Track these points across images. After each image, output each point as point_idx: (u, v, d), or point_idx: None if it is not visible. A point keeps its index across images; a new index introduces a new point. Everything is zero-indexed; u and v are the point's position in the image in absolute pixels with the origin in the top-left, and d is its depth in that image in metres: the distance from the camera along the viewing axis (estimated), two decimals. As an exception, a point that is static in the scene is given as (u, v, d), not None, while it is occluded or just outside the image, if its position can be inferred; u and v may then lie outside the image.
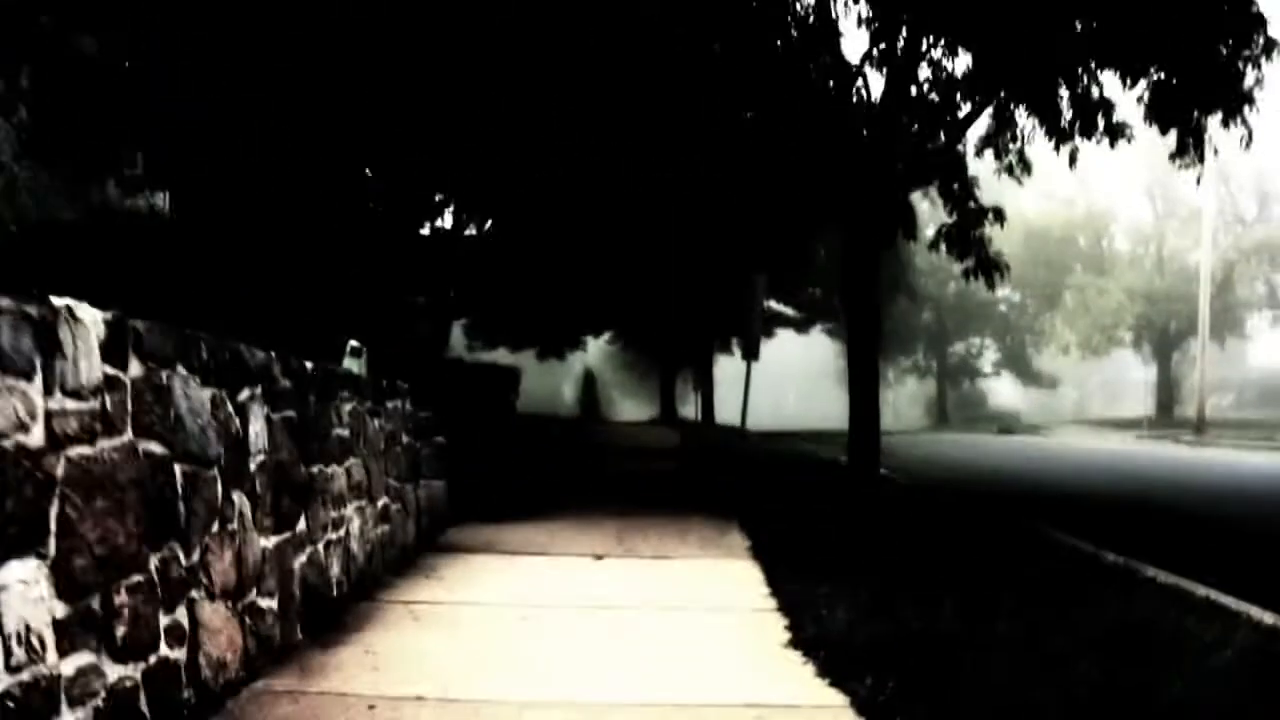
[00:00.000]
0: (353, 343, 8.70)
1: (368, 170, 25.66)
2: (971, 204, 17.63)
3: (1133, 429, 53.37)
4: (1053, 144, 17.09)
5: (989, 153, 18.27)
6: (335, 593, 6.91)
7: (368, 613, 6.82)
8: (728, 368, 49.45)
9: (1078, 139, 16.98)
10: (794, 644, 6.14)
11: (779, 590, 7.61)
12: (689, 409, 54.01)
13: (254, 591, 5.51)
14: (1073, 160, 17.43)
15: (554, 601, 7.26)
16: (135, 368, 4.25)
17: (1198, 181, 16.86)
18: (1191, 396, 62.10)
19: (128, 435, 4.17)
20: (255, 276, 12.78)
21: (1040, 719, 4.73)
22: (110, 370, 4.04)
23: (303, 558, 6.32)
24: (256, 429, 5.64)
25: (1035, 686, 5.05)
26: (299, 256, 18.90)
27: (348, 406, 7.43)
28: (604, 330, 50.97)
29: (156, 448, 4.43)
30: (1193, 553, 10.62)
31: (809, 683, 5.41)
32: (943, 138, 17.31)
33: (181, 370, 4.71)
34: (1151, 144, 56.10)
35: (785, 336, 54.09)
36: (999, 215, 17.77)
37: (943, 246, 18.00)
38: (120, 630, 4.03)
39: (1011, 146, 17.90)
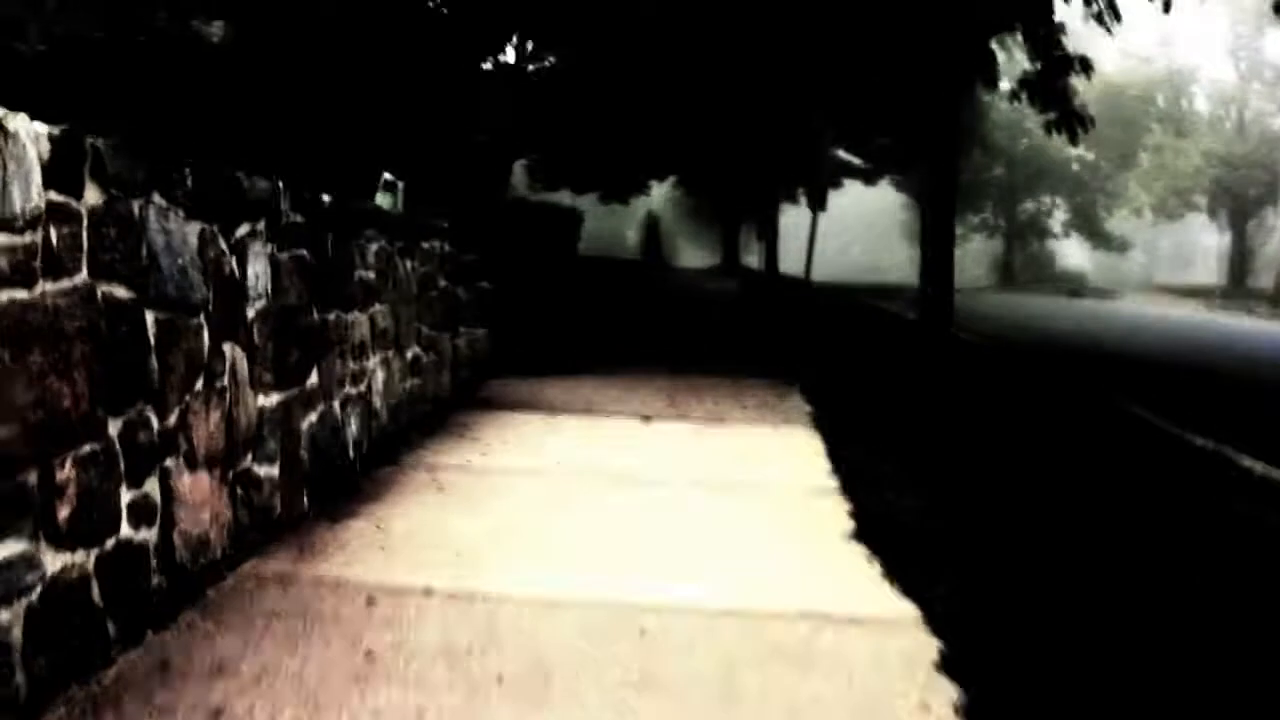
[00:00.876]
0: (387, 176, 7.95)
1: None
2: (1057, 52, 16.52)
3: (1204, 297, 51.92)
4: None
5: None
6: (352, 455, 6.27)
7: (389, 479, 6.17)
8: (793, 217, 48.48)
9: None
10: (858, 535, 5.43)
11: (843, 467, 6.90)
12: (752, 258, 53.08)
13: (249, 457, 4.85)
14: (1167, 6, 16.27)
15: (596, 469, 6.59)
16: (93, 195, 3.53)
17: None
18: (1266, 267, 60.55)
19: (81, 276, 3.46)
20: (304, 111, 12.05)
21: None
22: (57, 197, 3.31)
23: (313, 417, 5.66)
24: (257, 270, 4.94)
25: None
26: (353, 92, 18.19)
27: (374, 246, 6.71)
28: (668, 175, 49.81)
29: (121, 291, 3.72)
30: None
31: (874, 586, 4.68)
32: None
33: (159, 200, 4.00)
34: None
35: (852, 187, 52.77)
36: (1086, 65, 16.66)
37: (1024, 97, 16.92)
38: (64, 511, 3.35)
39: (1100, -10, 16.71)
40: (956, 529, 5.49)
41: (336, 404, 6.04)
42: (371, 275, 6.66)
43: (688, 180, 50.38)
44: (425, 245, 7.98)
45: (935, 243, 15.72)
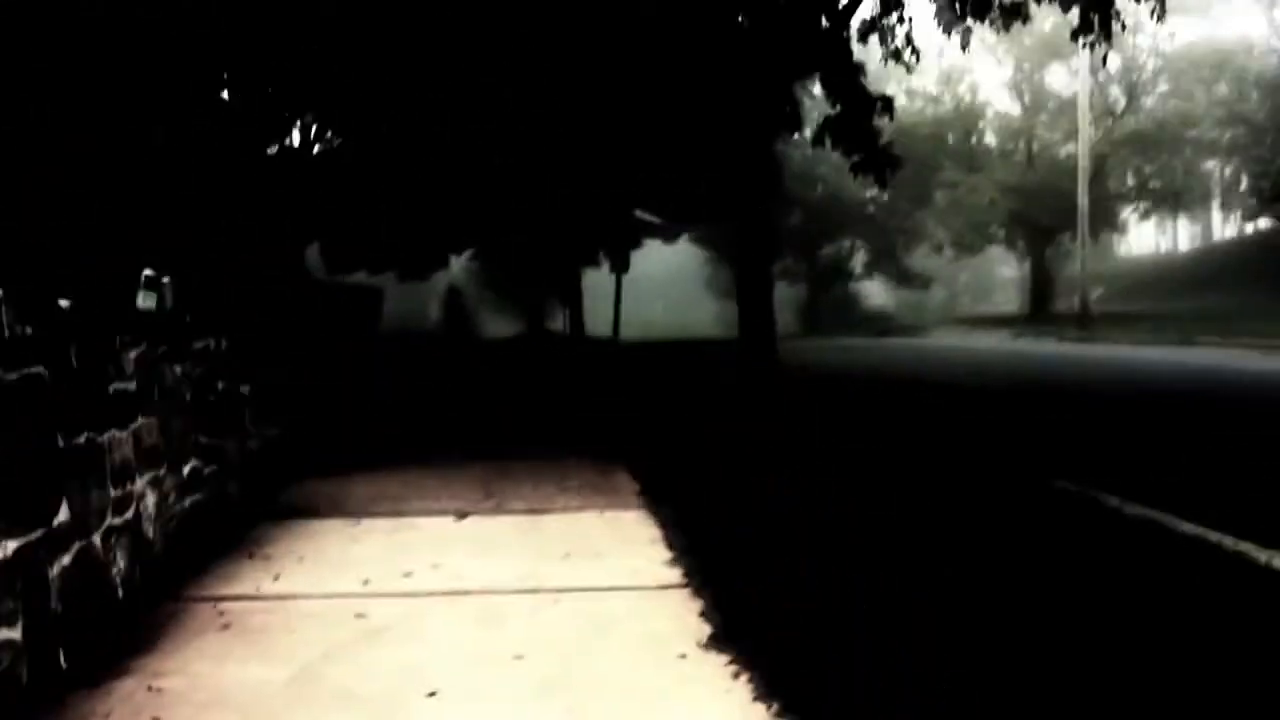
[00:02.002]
0: (148, 272, 7.08)
1: (223, 90, 23.91)
2: (859, 94, 16.28)
3: (1008, 327, 53.01)
4: (941, 27, 15.84)
5: (873, 40, 16.96)
6: (122, 595, 5.39)
7: (167, 618, 5.30)
8: (594, 280, 48.12)
9: (970, 20, 15.74)
10: (715, 641, 4.76)
11: (683, 553, 6.25)
12: (557, 323, 52.64)
13: (-25, 624, 3.99)
14: (964, 44, 16.23)
15: (405, 586, 5.81)
16: None
17: (1103, 62, 15.71)
18: (1064, 292, 62.17)
19: None
20: (48, 203, 11.13)
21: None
22: None
23: (66, 559, 4.78)
24: (-29, 400, 4.10)
25: None
26: (114, 182, 17.22)
27: (133, 353, 5.87)
28: (465, 248, 49.14)
29: None
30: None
31: (743, 712, 4.01)
32: (825, 22, 15.93)
33: None
34: (1019, 35, 55.30)
35: (651, 246, 52.70)
36: (888, 105, 16.50)
37: (827, 141, 16.65)
38: None
39: (899, 29, 16.57)
40: (831, 617, 4.87)
41: (98, 539, 5.17)
42: (131, 386, 5.81)
43: (486, 252, 49.75)
44: (198, 345, 7.13)
45: (752, 291, 15.26)
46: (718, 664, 4.50)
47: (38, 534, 4.53)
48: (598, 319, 46.53)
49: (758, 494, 8.05)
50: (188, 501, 6.61)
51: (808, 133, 18.79)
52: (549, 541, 6.76)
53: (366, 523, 7.44)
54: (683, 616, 5.16)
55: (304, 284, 23.34)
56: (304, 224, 28.01)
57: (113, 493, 5.41)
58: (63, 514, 4.80)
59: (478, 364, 26.62)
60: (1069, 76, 63.22)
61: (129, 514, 5.60)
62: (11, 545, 4.29)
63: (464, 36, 21.35)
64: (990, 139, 67.72)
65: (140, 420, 5.90)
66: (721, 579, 5.67)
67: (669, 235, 53.88)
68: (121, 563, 5.43)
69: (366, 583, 5.87)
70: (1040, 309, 60.72)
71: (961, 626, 4.96)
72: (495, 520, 7.46)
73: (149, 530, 5.87)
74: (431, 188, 30.01)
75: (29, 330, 4.61)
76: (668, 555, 6.29)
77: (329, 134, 30.47)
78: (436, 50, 21.67)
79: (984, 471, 9.15)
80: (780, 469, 9.06)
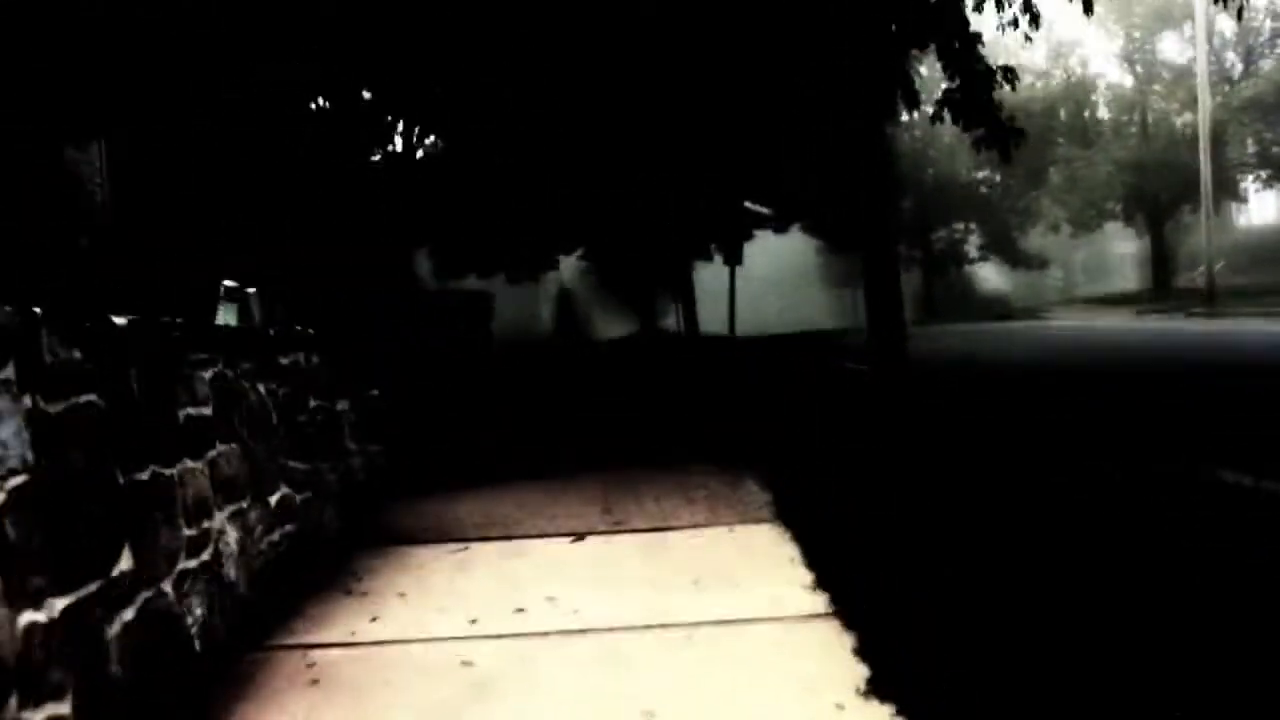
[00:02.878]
0: (228, 283, 6.51)
1: (319, 99, 23.66)
2: (979, 65, 15.38)
3: (1130, 305, 51.33)
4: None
5: (988, 6, 16.04)
6: (200, 647, 4.79)
7: (250, 672, 4.69)
8: (705, 275, 47.40)
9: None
10: (876, 687, 4.04)
11: (828, 578, 5.52)
12: (670, 320, 51.98)
13: (12, 703, 3.38)
14: (1088, 8, 15.28)
15: (516, 625, 5.15)
16: None
17: (1237, 16, 14.67)
18: (1185, 267, 60.23)
19: None
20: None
21: None
22: None
23: (129, 614, 4.18)
24: (4, 436, 3.49)
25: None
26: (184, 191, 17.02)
27: (208, 373, 5.28)
28: (575, 248, 48.71)
29: None
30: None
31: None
32: (939, -11, 15.10)
33: None
34: (1130, 2, 53.54)
35: (762, 238, 51.83)
36: (1010, 76, 15.58)
37: (946, 116, 15.76)
38: None
39: (1014, -5, 15.68)
40: (1020, 659, 4.12)
41: (168, 586, 4.57)
42: (207, 411, 5.22)
43: (597, 251, 49.27)
44: (285, 361, 6.54)
45: (879, 279, 14.38)
46: (881, 717, 3.80)
47: (93, 588, 3.93)
48: (710, 315, 45.85)
49: (909, 504, 7.24)
50: (277, 534, 6.01)
51: (922, 112, 17.74)
52: (676, 564, 6.07)
53: (475, 548, 6.80)
54: (834, 654, 4.45)
55: (410, 291, 22.93)
56: (410, 229, 27.65)
57: (186, 532, 4.81)
58: (124, 562, 4.20)
59: (591, 366, 25.99)
60: (1182, 44, 61.34)
61: (206, 554, 5.00)
62: (59, 604, 3.69)
63: (566, 32, 20.82)
64: (1103, 113, 65.76)
65: (218, 448, 5.31)
66: (875, 607, 4.94)
67: (780, 226, 53.03)
68: (198, 611, 4.83)
69: (474, 622, 5.22)
70: (1162, 286, 58.77)
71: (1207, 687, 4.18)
72: (616, 541, 6.78)
73: (230, 571, 5.26)
74: (539, 187, 29.54)
75: (76, 355, 4.02)
76: (809, 578, 5.58)
77: (432, 137, 30.14)
78: (538, 47, 21.16)
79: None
80: (933, 474, 8.21)
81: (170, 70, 16.68)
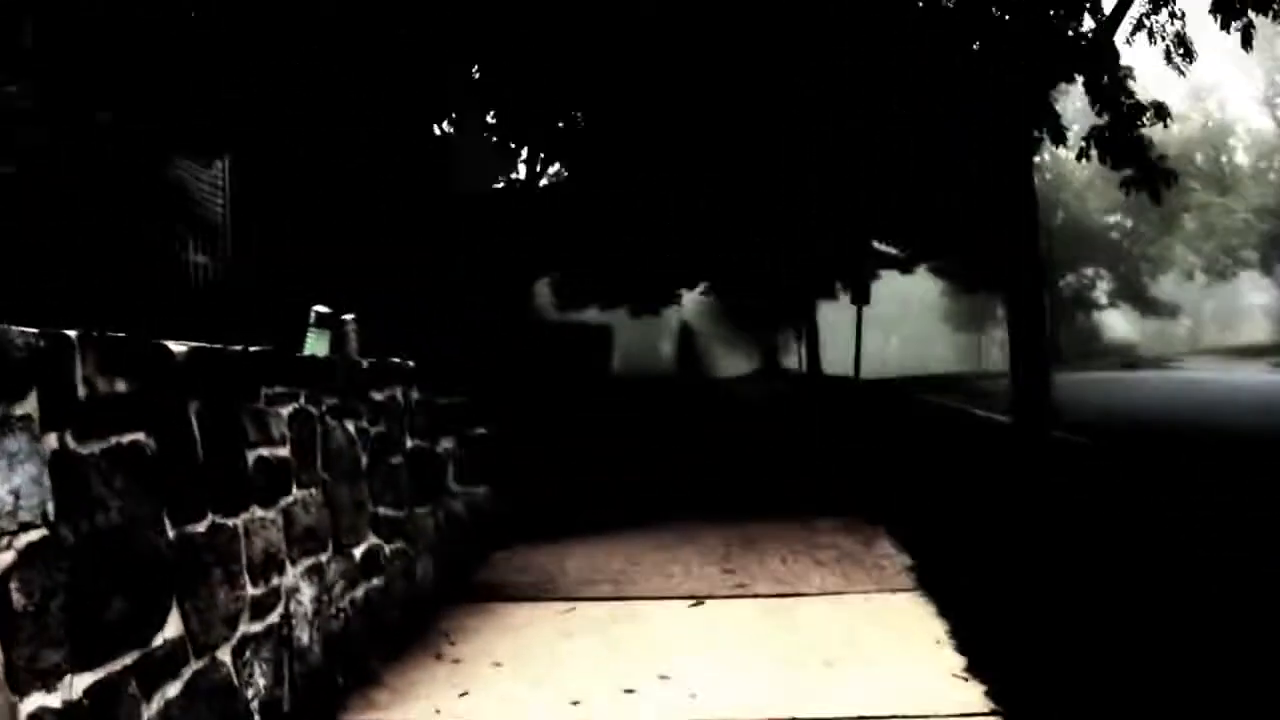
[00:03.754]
0: (320, 309, 5.94)
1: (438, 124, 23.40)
2: (1127, 100, 14.51)
3: (1265, 356, 49.34)
4: (1218, 20, 14.02)
5: (1140, 38, 15.15)
6: (262, 724, 4.19)
7: (315, 757, 4.09)
8: (828, 314, 46.56)
9: (1251, 13, 13.90)
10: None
11: (983, 664, 4.76)
12: (791, 359, 51.14)
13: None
14: (1246, 40, 14.35)
15: (625, 711, 4.48)
16: None
17: None
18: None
19: None
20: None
21: None
22: None
23: (173, 689, 3.58)
24: (16, 483, 2.90)
25: None
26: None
27: (286, 410, 4.69)
28: (699, 282, 48.13)
29: None
30: None
31: None
32: (1088, 21, 14.26)
33: None
34: (1272, 43, 51.85)
35: (888, 278, 50.86)
36: (1162, 112, 14.68)
37: (1092, 154, 14.90)
38: None
39: (1169, 26, 14.74)
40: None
41: (225, 654, 3.97)
42: (283, 452, 4.63)
43: (720, 285, 48.67)
44: (379, 396, 5.94)
45: (1024, 322, 13.50)
46: None
47: (127, 660, 3.34)
48: (832, 354, 45.01)
49: (1081, 583, 6.37)
50: (361, 591, 5.38)
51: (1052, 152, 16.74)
52: (806, 640, 5.35)
53: (581, 609, 6.14)
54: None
55: (525, 322, 22.45)
56: (530, 259, 27.21)
57: (250, 591, 4.21)
58: (171, 628, 3.61)
59: (713, 403, 25.26)
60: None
61: (274, 616, 4.40)
62: (80, 683, 3.09)
63: (696, 63, 20.28)
64: (1241, 158, 63.84)
65: (295, 494, 4.71)
66: (1047, 705, 4.19)
67: (906, 266, 52.12)
68: (261, 682, 4.22)
69: (576, 704, 4.55)
70: (1299, 336, 56.65)
71: None
72: (737, 607, 6.08)
73: (303, 635, 4.65)
74: (664, 219, 28.98)
75: (121, 387, 3.44)
76: (959, 663, 4.83)
77: (556, 165, 29.78)
78: (668, 74, 20.65)
79: None
80: (1108, 549, 7.29)
81: (298, 92, 16.41)
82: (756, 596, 6.28)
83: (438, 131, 23.87)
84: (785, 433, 16.96)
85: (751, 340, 57.06)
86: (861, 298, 19.56)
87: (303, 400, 4.87)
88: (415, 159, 21.36)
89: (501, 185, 26.99)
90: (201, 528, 3.86)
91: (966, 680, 4.60)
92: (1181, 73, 15.28)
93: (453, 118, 23.95)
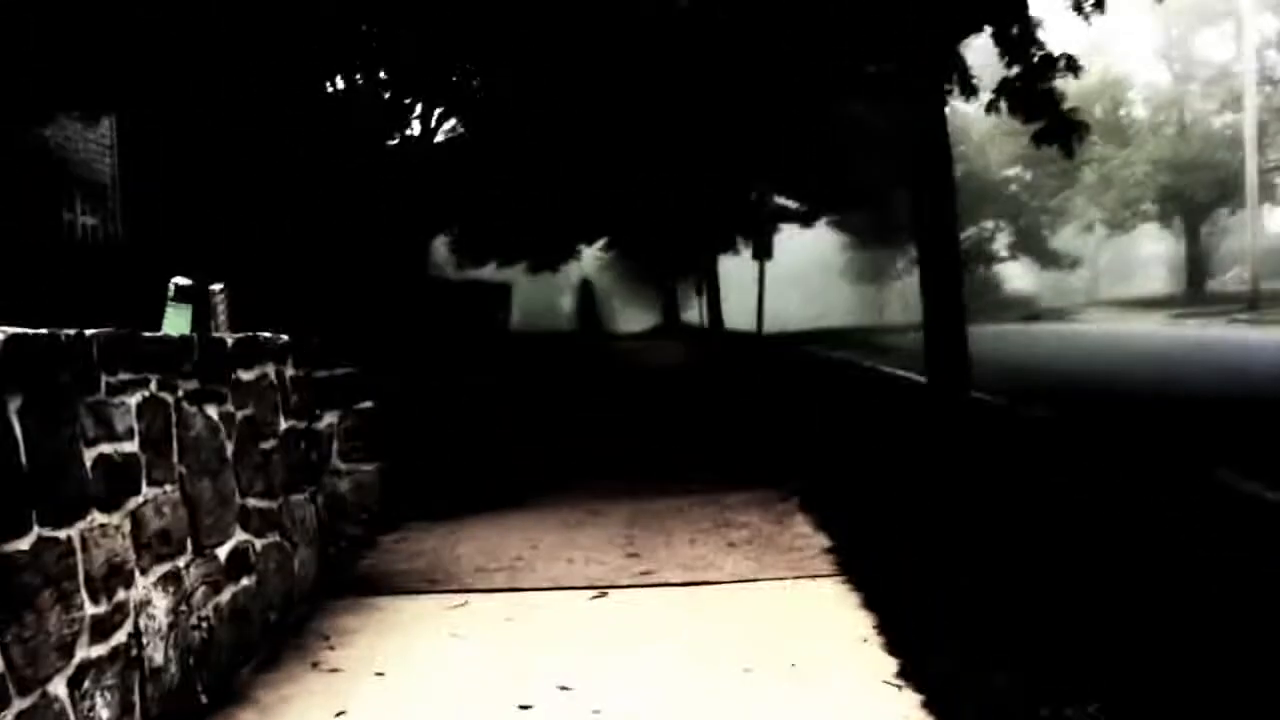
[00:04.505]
0: (179, 281, 5.36)
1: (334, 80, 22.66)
2: (1038, 52, 14.15)
3: (1163, 309, 49.67)
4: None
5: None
6: (99, 765, 3.65)
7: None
8: (728, 268, 46.25)
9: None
10: None
11: (917, 669, 4.32)
12: (692, 314, 50.82)
13: None
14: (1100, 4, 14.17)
15: (521, 731, 4.01)
16: None
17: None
18: (1220, 271, 58.79)
19: None
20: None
21: None
22: None
23: (-15, 740, 3.05)
24: None
25: None
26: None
27: (133, 398, 4.13)
28: (598, 237, 47.60)
29: None
30: None
31: None
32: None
33: None
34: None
35: (787, 231, 50.61)
36: (1072, 65, 14.34)
37: (1002, 106, 14.53)
38: None
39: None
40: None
41: (61, 687, 3.43)
42: (130, 447, 4.07)
43: (620, 240, 48.19)
44: (249, 376, 5.38)
45: (938, 276, 13.05)
46: None
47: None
48: (733, 310, 44.74)
49: (1012, 562, 5.88)
50: (227, 595, 4.84)
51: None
52: (720, 639, 4.88)
53: (474, 603, 5.64)
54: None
55: (421, 281, 21.82)
56: (425, 216, 26.51)
57: (91, 610, 3.67)
58: (-23, 669, 3.07)
59: (611, 362, 24.77)
60: (1221, 42, 59.97)
61: (121, 636, 3.85)
62: None
63: (590, 15, 19.72)
64: (1140, 111, 64.15)
65: (145, 494, 4.16)
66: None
67: (807, 220, 51.97)
68: (105, 714, 3.69)
69: (465, 723, 4.07)
70: (1195, 289, 57.01)
71: None
72: (643, 598, 5.61)
73: (157, 653, 4.10)
74: (561, 174, 28.38)
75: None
76: (890, 666, 4.39)
77: (451, 122, 29.05)
78: (562, 29, 20.07)
79: None
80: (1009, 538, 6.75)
81: (181, 47, 15.66)
82: (664, 585, 5.82)
83: (331, 89, 23.16)
84: (690, 394, 16.54)
85: (651, 295, 56.71)
86: (763, 252, 19.13)
87: (154, 387, 4.31)
88: (309, 117, 20.66)
89: (396, 142, 26.19)
90: (24, 545, 3.31)
91: (900, 689, 4.16)
92: (1088, 22, 14.95)
93: (346, 74, 23.19)
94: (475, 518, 7.69)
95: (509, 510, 7.92)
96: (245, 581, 5.06)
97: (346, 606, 5.66)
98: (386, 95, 24.67)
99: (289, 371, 6.01)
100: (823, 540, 6.51)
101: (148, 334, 4.43)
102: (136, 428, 4.13)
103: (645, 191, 33.05)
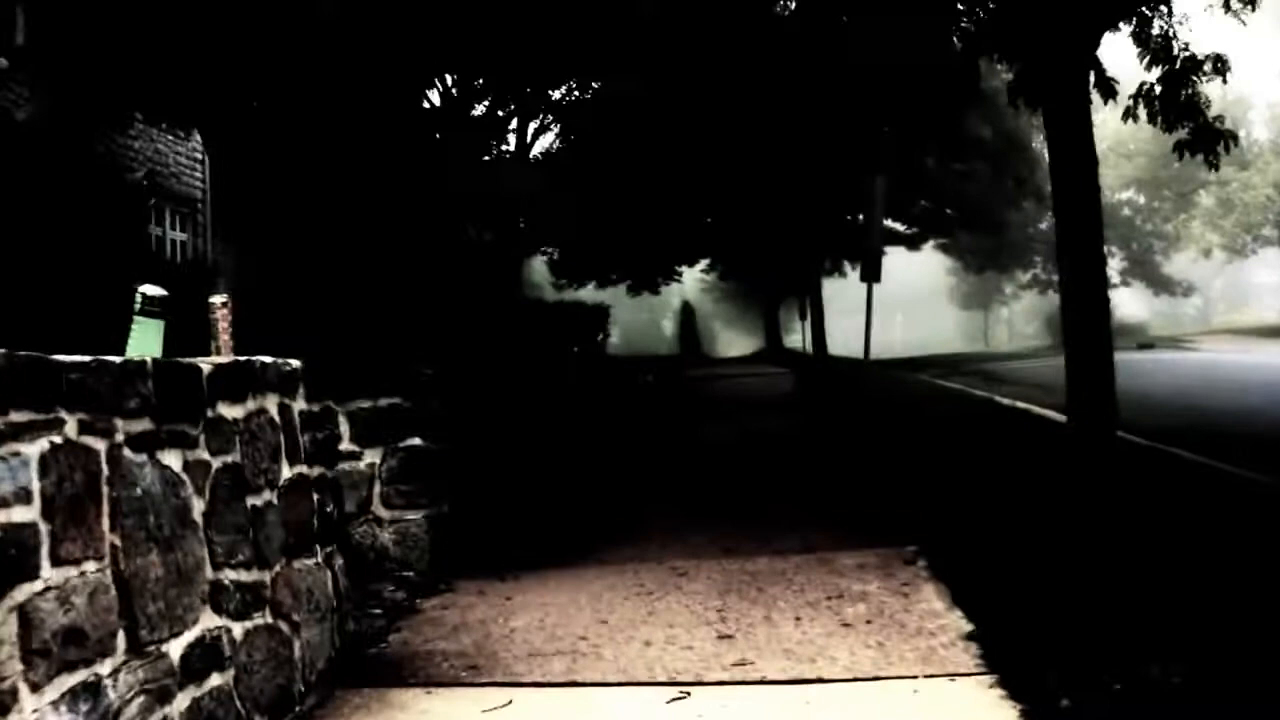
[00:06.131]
0: (148, 290, 4.24)
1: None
2: (1181, 52, 12.71)
3: (1281, 336, 47.37)
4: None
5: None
6: None
7: None
8: (831, 291, 44.96)
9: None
10: None
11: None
12: (794, 338, 49.52)
13: None
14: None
15: None
16: None
17: None
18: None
19: None
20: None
21: None
22: None
23: None
24: None
25: None
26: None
27: (34, 446, 2.99)
28: (699, 258, 46.54)
29: None
30: None
31: None
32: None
33: None
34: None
35: (893, 254, 49.22)
36: (1221, 66, 12.88)
37: (1142, 113, 13.08)
38: None
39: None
40: None
41: None
42: (23, 515, 2.93)
43: (722, 261, 47.21)
44: (232, 413, 4.22)
45: (1081, 299, 11.50)
46: None
47: None
48: (838, 335, 43.45)
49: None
50: (182, 702, 3.64)
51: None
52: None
53: (521, 700, 4.44)
54: None
55: (514, 302, 20.78)
56: (517, 235, 25.52)
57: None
58: None
59: (715, 389, 23.47)
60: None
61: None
62: None
63: (698, 28, 18.73)
64: (1260, 132, 61.88)
65: (46, 577, 3.01)
66: None
67: (912, 243, 50.71)
68: None
69: None
70: (1318, 317, 54.65)
71: None
72: (738, 701, 4.36)
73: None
74: (662, 192, 27.33)
75: None
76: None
77: (549, 138, 28.23)
78: (666, 43, 19.08)
79: None
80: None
81: (274, 57, 14.82)
82: (764, 683, 4.56)
83: (426, 106, 22.30)
84: (792, 424, 15.20)
85: (753, 318, 55.63)
86: (872, 275, 17.87)
87: (71, 430, 3.17)
88: (403, 131, 19.87)
89: (490, 158, 25.25)
90: None
91: None
92: (1242, 21, 13.49)
93: (439, 85, 22.32)
94: (541, 574, 6.50)
95: (582, 564, 6.72)
96: (214, 681, 3.88)
97: (360, 704, 4.49)
98: (483, 107, 23.76)
99: (298, 406, 4.86)
100: (959, 621, 5.20)
101: (67, 358, 3.28)
102: (37, 487, 2.99)
103: (749, 212, 31.97)
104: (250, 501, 4.29)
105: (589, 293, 38.81)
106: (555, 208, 26.79)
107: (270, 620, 4.37)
